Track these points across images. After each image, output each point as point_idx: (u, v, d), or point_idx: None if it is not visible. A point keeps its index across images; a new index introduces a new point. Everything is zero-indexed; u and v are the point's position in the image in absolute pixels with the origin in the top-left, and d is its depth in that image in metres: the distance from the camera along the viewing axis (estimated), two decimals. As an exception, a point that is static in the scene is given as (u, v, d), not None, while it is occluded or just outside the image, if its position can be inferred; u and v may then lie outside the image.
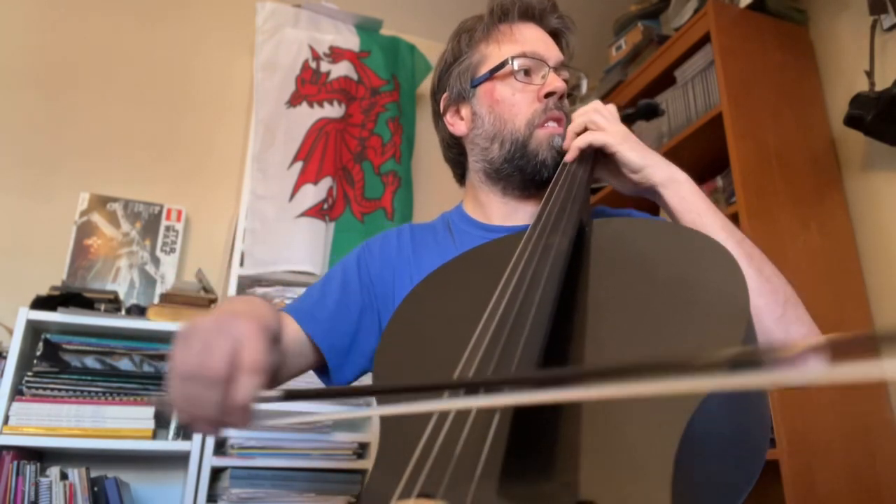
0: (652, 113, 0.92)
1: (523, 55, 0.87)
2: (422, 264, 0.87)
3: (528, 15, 0.92)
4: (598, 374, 0.34)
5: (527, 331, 0.47)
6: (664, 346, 0.47)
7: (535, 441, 0.43)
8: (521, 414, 0.42)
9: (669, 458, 0.37)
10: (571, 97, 0.94)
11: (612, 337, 0.50)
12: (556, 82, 0.86)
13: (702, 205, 0.75)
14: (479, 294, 0.57)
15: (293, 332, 0.83)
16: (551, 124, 0.86)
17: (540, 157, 0.85)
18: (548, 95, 0.86)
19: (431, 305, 0.63)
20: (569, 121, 0.86)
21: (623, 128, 0.81)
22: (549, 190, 0.75)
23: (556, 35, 0.94)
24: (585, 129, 0.82)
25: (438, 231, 0.94)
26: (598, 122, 0.80)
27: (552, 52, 0.90)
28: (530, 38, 0.90)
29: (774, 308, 0.70)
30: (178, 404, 0.51)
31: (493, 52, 0.90)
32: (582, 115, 0.83)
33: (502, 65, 0.87)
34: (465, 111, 0.92)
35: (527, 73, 0.88)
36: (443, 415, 0.44)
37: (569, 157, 0.81)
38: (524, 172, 0.86)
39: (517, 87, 0.87)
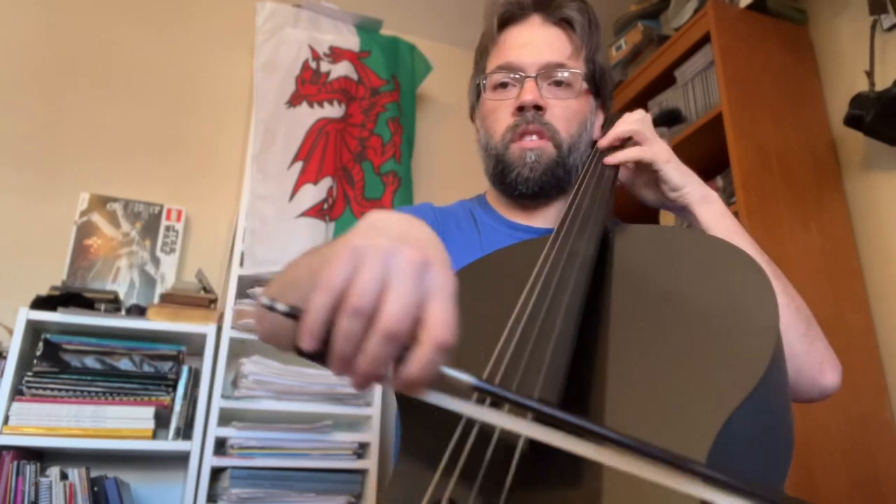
0: (674, 119, 0.91)
1: (498, 68, 0.87)
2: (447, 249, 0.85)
3: (511, 18, 0.89)
4: (624, 445, 0.34)
5: (554, 339, 0.46)
6: (688, 362, 0.45)
7: (558, 465, 0.42)
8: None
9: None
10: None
11: (635, 349, 0.48)
12: (525, 95, 0.83)
13: (733, 226, 0.76)
14: (506, 297, 0.55)
15: None
16: (529, 139, 0.83)
17: (515, 172, 0.84)
18: (521, 109, 0.84)
19: (461, 302, 0.62)
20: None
21: (666, 145, 0.80)
22: (574, 192, 0.74)
23: (567, 22, 0.88)
24: (629, 138, 0.81)
25: (461, 220, 0.92)
26: (647, 136, 0.80)
27: (533, 57, 0.85)
28: (507, 47, 0.87)
29: (799, 325, 0.71)
30: (321, 330, 0.38)
31: (487, 66, 0.90)
32: (630, 122, 0.81)
33: (484, 81, 0.89)
34: (477, 122, 0.94)
35: (503, 85, 0.87)
36: (465, 431, 0.42)
37: (611, 161, 0.79)
38: (506, 185, 0.86)
39: (496, 102, 0.87)
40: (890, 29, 1.72)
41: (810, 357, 0.72)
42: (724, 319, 0.47)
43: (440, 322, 0.37)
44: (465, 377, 0.37)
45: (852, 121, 1.64)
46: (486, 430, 0.41)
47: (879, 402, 1.57)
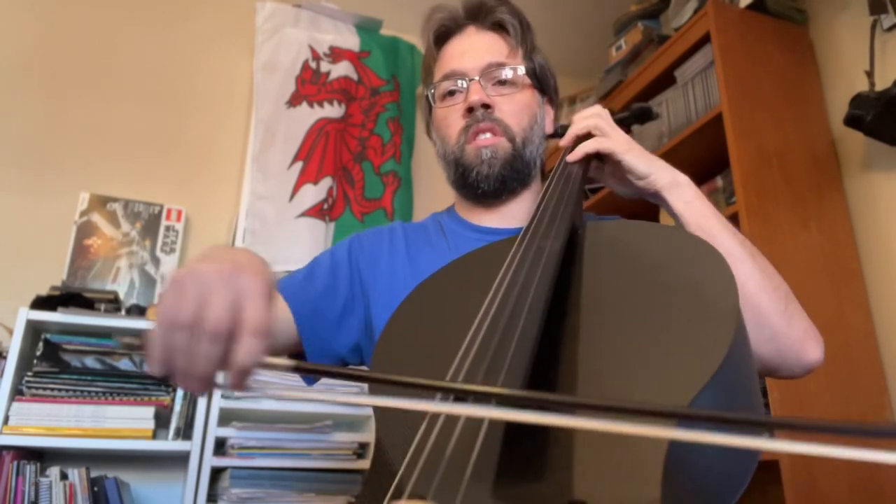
0: (646, 116, 0.92)
1: (443, 77, 0.91)
2: (418, 265, 0.87)
3: (448, 32, 0.93)
4: (586, 406, 0.36)
5: (517, 335, 0.47)
6: (654, 350, 0.47)
7: (527, 441, 0.43)
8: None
9: (659, 462, 0.39)
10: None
11: (604, 340, 0.51)
12: (471, 96, 0.86)
13: (705, 208, 0.77)
14: (473, 299, 0.57)
15: (280, 308, 0.82)
16: (482, 136, 0.86)
17: (474, 171, 0.86)
18: (470, 110, 0.87)
19: (428, 309, 0.63)
20: (560, 133, 0.88)
21: (625, 135, 0.82)
22: (542, 192, 0.76)
23: (500, 26, 0.92)
24: (588, 134, 0.83)
25: (431, 231, 0.94)
26: (603, 128, 0.82)
27: (474, 61, 0.89)
28: (448, 57, 0.92)
29: (778, 304, 0.72)
30: (162, 353, 0.45)
31: (434, 80, 0.94)
32: (585, 118, 0.84)
33: (432, 92, 0.93)
34: (433, 135, 0.96)
35: (451, 93, 0.90)
36: (434, 416, 0.44)
37: (572, 158, 0.81)
38: (468, 187, 0.89)
39: (446, 109, 0.91)
40: (890, 29, 1.72)
41: (791, 334, 0.73)
42: (686, 308, 0.49)
43: (252, 315, 0.44)
44: (285, 361, 0.44)
45: (852, 121, 1.64)
46: (449, 425, 0.42)
47: (879, 402, 1.57)
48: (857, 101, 1.63)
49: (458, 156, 0.88)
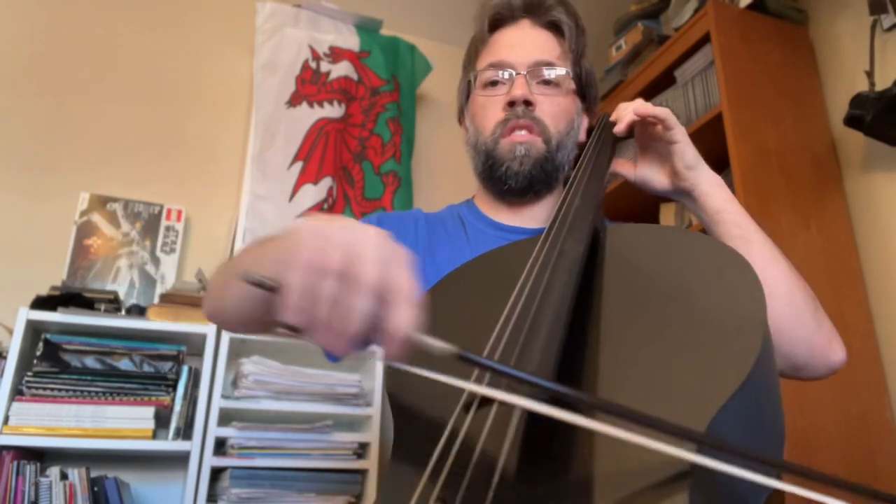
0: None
1: (489, 66, 0.89)
2: (436, 257, 0.86)
3: (502, 20, 0.92)
4: (617, 412, 0.36)
5: (542, 338, 0.46)
6: (678, 361, 0.46)
7: (551, 449, 0.43)
8: (536, 421, 0.41)
9: (687, 471, 0.38)
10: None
11: (626, 348, 0.49)
12: (515, 91, 0.85)
13: (741, 210, 0.78)
14: (496, 298, 0.56)
15: None
16: (518, 133, 0.85)
17: (504, 166, 0.86)
18: (511, 104, 0.86)
19: (451, 305, 0.62)
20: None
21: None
22: (565, 192, 0.74)
23: (556, 26, 0.90)
24: (654, 124, 0.82)
25: (448, 224, 0.93)
26: (674, 121, 0.80)
27: (523, 55, 0.87)
28: (498, 47, 0.90)
29: (809, 304, 0.75)
30: (304, 300, 0.40)
31: (478, 66, 0.92)
32: (662, 109, 0.81)
33: (474, 79, 0.91)
34: (466, 121, 0.95)
35: (493, 83, 0.89)
36: (459, 420, 0.43)
37: (641, 111, 0.80)
38: (495, 181, 0.88)
39: (486, 98, 0.89)
40: (890, 29, 1.72)
41: (821, 335, 0.75)
42: (712, 318, 0.48)
43: (407, 282, 0.41)
44: (447, 345, 0.39)
45: (852, 121, 1.64)
46: (475, 431, 0.42)
47: (879, 402, 1.57)
48: (857, 101, 1.63)
49: (490, 148, 0.87)
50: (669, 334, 0.48)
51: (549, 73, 0.87)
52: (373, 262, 0.40)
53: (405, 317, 0.39)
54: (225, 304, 0.69)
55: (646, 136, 0.84)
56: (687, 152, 0.79)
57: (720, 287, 0.50)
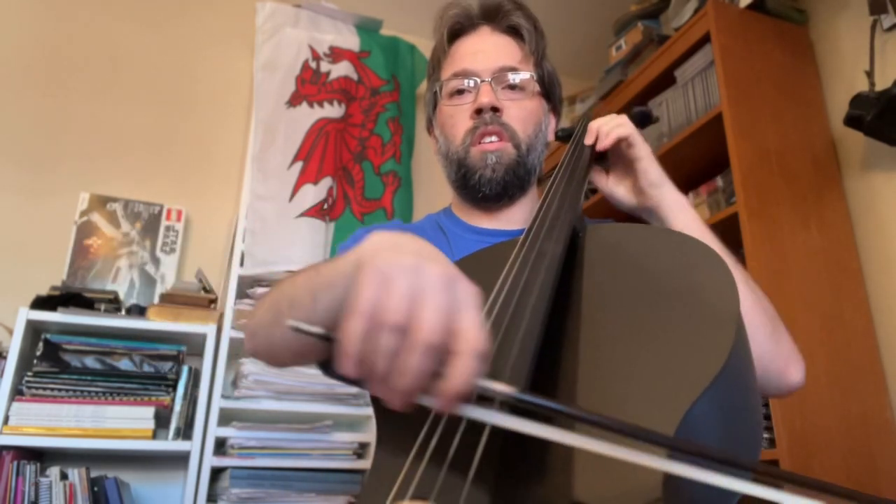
0: (646, 120, 0.92)
1: (453, 75, 0.90)
2: None
3: (461, 29, 0.93)
4: (596, 423, 0.36)
5: (520, 337, 0.47)
6: (654, 355, 0.47)
7: (528, 444, 0.43)
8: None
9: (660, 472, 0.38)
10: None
11: (604, 345, 0.50)
12: (481, 98, 0.85)
13: (705, 230, 0.78)
14: None
15: None
16: (488, 140, 0.86)
17: (477, 174, 0.86)
18: (478, 112, 0.86)
19: None
20: (561, 136, 0.88)
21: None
22: (544, 194, 0.75)
23: (515, 30, 0.91)
24: (620, 140, 0.82)
25: (429, 233, 0.94)
26: (638, 139, 0.82)
27: (486, 62, 0.88)
28: (460, 55, 0.91)
29: (766, 326, 0.73)
30: (361, 353, 0.38)
31: (442, 77, 0.93)
32: (624, 126, 0.82)
33: (439, 89, 0.92)
34: (436, 131, 0.96)
35: (459, 92, 0.90)
36: (436, 418, 0.44)
37: (605, 143, 0.81)
38: (469, 189, 0.88)
39: (454, 107, 0.90)
40: (890, 29, 1.72)
41: (777, 356, 0.73)
42: (687, 312, 0.49)
43: (474, 331, 0.38)
44: (507, 388, 0.37)
45: (852, 121, 1.64)
46: (454, 421, 0.42)
47: (879, 402, 1.57)
48: (857, 101, 1.63)
49: (462, 156, 0.87)
50: (645, 329, 0.49)
51: (514, 78, 0.88)
52: (435, 311, 0.37)
53: (467, 370, 0.37)
54: (274, 344, 0.66)
55: (614, 153, 0.85)
56: (650, 170, 0.80)
57: (694, 281, 0.52)
